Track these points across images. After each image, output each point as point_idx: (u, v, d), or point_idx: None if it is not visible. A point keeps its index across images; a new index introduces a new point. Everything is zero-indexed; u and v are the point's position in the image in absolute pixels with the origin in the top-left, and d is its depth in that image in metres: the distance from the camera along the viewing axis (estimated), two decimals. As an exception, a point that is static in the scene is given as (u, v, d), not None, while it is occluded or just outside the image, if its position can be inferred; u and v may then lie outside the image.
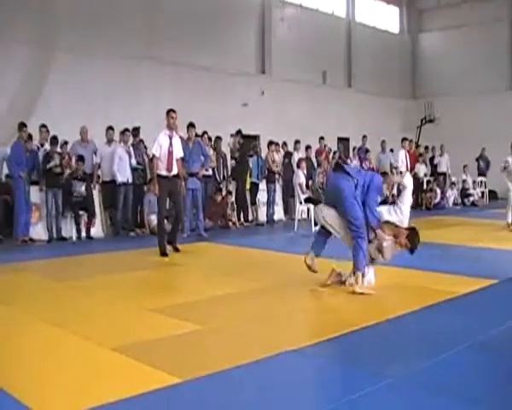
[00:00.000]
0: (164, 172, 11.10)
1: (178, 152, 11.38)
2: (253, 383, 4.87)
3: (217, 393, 4.65)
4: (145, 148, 15.46)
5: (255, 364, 5.19)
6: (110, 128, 14.79)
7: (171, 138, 11.15)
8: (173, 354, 5.60)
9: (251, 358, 5.28)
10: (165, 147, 11.07)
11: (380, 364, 5.37)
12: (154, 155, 11.16)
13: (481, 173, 24.90)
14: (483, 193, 25.16)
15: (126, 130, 14.72)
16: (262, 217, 17.59)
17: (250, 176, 17.51)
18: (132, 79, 18.80)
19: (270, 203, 17.50)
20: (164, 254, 11.06)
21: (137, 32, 19.30)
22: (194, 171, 13.83)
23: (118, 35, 18.74)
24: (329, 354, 5.57)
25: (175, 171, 11.20)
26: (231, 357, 5.33)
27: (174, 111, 11.27)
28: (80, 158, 14.24)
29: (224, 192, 16.30)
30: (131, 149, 14.80)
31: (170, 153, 11.06)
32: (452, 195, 24.28)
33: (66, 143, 14.46)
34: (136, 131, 15.36)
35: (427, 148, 24.72)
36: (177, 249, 11.47)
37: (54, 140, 13.78)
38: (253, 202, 17.59)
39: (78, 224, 13.94)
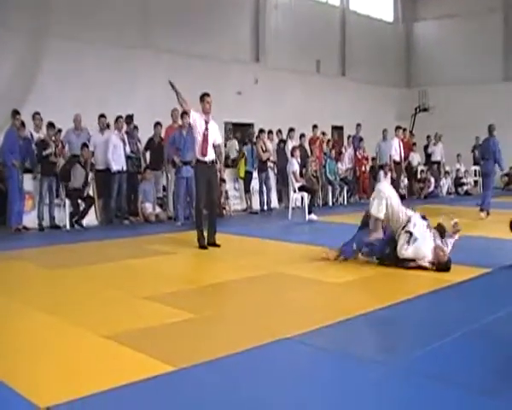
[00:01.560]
0: (200, 157, 10.75)
1: (216, 138, 11.01)
2: (246, 371, 4.88)
3: (211, 381, 4.64)
4: (138, 139, 15.50)
5: (249, 352, 5.20)
6: (102, 116, 14.71)
7: (207, 123, 10.76)
8: (167, 342, 5.60)
9: (245, 346, 5.29)
10: (200, 130, 10.68)
11: (374, 352, 5.40)
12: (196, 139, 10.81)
13: (477, 163, 24.94)
14: (476, 182, 25.21)
15: (120, 117, 14.65)
16: (256, 205, 17.60)
17: (245, 164, 17.52)
18: (127, 67, 18.72)
19: (263, 192, 17.48)
20: (203, 246, 10.76)
21: (132, 20, 19.21)
22: (188, 159, 13.78)
23: (113, 23, 18.66)
24: (324, 342, 5.58)
25: (211, 156, 10.80)
26: (225, 345, 5.34)
27: (209, 95, 10.87)
28: (85, 146, 14.19)
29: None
30: (125, 136, 14.75)
31: (205, 137, 10.67)
32: (446, 184, 24.34)
33: (59, 130, 14.42)
34: (129, 118, 15.32)
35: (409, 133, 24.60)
36: (217, 245, 10.93)
37: (50, 126, 13.71)
38: (247, 190, 17.59)
39: (76, 213, 13.88)
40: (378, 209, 8.75)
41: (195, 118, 10.72)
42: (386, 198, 8.73)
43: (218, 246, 10.84)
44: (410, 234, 8.55)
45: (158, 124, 15.62)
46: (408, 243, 8.51)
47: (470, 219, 14.86)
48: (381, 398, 4.42)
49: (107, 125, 14.80)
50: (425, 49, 31.58)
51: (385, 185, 8.98)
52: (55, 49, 16.94)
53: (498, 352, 5.34)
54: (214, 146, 10.91)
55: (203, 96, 10.85)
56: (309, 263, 9.17)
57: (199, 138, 10.69)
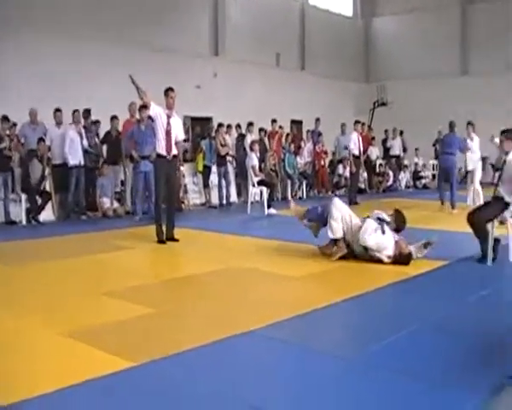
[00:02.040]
0: (163, 153, 10.58)
1: (179, 134, 10.93)
2: (208, 366, 4.85)
3: (171, 376, 4.62)
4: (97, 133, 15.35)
5: (210, 346, 5.19)
6: (58, 110, 14.49)
7: (169, 118, 10.62)
8: (127, 337, 5.55)
9: (206, 340, 5.27)
10: (163, 125, 10.51)
11: (334, 345, 5.41)
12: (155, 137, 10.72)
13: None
14: (434, 175, 25.47)
15: (76, 111, 14.46)
16: (215, 199, 17.56)
17: (204, 159, 17.46)
18: (86, 60, 18.43)
19: (222, 186, 17.44)
20: (161, 241, 10.67)
21: (90, 13, 18.95)
22: (147, 153, 13.69)
23: (70, 15, 18.37)
24: (282, 336, 5.57)
25: (173, 151, 10.66)
26: (186, 339, 5.31)
27: (173, 90, 10.74)
28: (41, 140, 13.97)
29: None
30: (83, 130, 14.58)
31: (168, 132, 10.54)
32: (404, 177, 24.57)
33: (14, 124, 14.19)
34: (87, 113, 15.15)
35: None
36: (175, 240, 10.86)
37: (4, 120, 13.46)
38: (206, 185, 17.54)
39: (33, 209, 13.67)
40: (335, 231, 8.86)
41: (157, 111, 10.59)
42: (340, 218, 8.81)
43: (177, 241, 10.78)
44: (381, 224, 8.65)
45: (114, 117, 15.47)
46: (375, 231, 8.57)
47: (429, 212, 15.04)
48: (340, 391, 4.44)
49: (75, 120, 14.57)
50: (384, 44, 31.82)
51: (336, 205, 8.95)
52: (10, 41, 16.66)
53: (455, 344, 5.38)
54: (176, 142, 10.81)
55: (167, 91, 10.71)
56: (268, 257, 9.17)
57: (160, 133, 10.56)
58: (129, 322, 5.96)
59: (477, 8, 28.80)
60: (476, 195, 15.80)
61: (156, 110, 10.58)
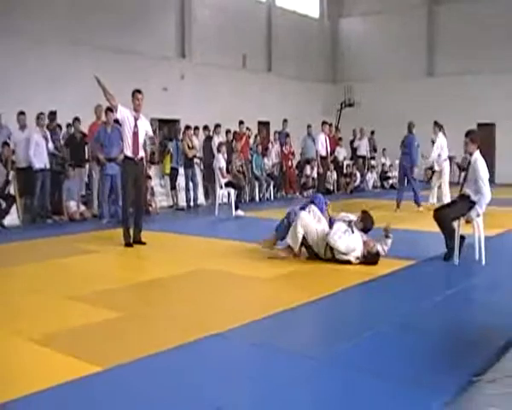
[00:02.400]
0: (130, 154, 10.50)
1: (148, 131, 10.91)
2: (175, 369, 4.83)
3: (139, 380, 4.60)
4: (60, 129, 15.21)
5: (179, 349, 5.17)
6: (21, 113, 14.28)
7: (136, 120, 10.55)
8: (94, 342, 5.50)
9: (174, 343, 5.25)
10: (130, 127, 10.45)
11: (303, 346, 5.40)
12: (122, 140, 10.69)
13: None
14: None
15: (41, 114, 14.29)
16: (182, 202, 17.48)
17: (171, 161, 17.38)
18: (50, 63, 18.25)
19: (189, 188, 17.36)
20: (128, 244, 10.61)
21: (55, 14, 18.76)
22: (113, 156, 13.59)
23: (34, 17, 18.15)
24: (252, 337, 5.57)
25: (140, 153, 10.61)
26: (153, 343, 5.28)
27: (140, 92, 10.66)
28: (5, 144, 13.78)
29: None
30: (48, 133, 14.41)
31: (135, 134, 10.47)
32: (372, 178, 24.69)
33: None
34: (52, 115, 14.99)
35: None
36: (142, 243, 10.81)
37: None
38: (173, 187, 17.46)
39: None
40: (293, 241, 8.92)
41: (124, 114, 10.52)
42: (302, 235, 8.84)
43: (144, 244, 10.72)
44: (350, 225, 8.71)
45: (76, 120, 15.28)
46: (344, 233, 8.61)
47: (393, 213, 15.12)
48: (307, 391, 4.45)
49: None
50: (351, 45, 31.94)
51: (302, 222, 8.92)
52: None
53: (422, 343, 5.42)
54: (145, 142, 10.81)
55: (134, 93, 10.64)
56: (237, 259, 9.15)
57: (128, 136, 10.49)
58: (96, 326, 5.90)
59: (443, 10, 29.03)
60: (444, 195, 15.90)
61: (123, 113, 10.52)
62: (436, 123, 16.57)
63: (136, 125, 10.52)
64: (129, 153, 10.51)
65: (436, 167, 16.58)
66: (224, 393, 4.36)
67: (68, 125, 15.61)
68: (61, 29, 18.78)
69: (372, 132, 25.38)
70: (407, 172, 15.97)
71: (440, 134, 16.23)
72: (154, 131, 21.88)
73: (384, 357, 5.02)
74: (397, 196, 16.06)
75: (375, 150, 25.39)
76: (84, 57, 19.05)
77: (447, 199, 15.35)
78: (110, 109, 13.72)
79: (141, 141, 10.60)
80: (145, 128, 10.81)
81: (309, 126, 20.53)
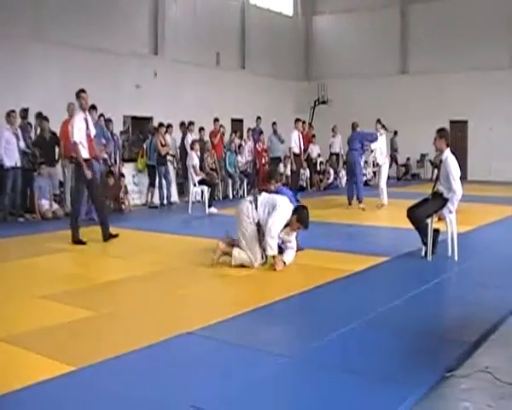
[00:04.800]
0: (88, 156, 10.54)
1: (93, 132, 10.91)
2: (148, 368, 4.80)
3: (111, 379, 4.58)
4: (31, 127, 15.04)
5: (150, 348, 5.14)
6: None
7: (86, 121, 10.62)
8: (66, 341, 5.47)
9: (145, 342, 5.23)
10: (83, 131, 10.51)
11: (274, 344, 5.40)
12: (75, 143, 10.45)
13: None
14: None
15: (12, 111, 14.12)
16: (156, 199, 17.40)
17: (148, 158, 17.27)
18: (18, 61, 18.05)
19: (162, 186, 17.28)
20: (79, 241, 10.62)
21: (22, 12, 18.54)
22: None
23: (2, 14, 17.95)
24: (225, 335, 5.56)
25: (94, 153, 10.73)
26: (125, 342, 5.26)
27: (84, 91, 10.67)
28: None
29: (116, 175, 15.99)
30: (19, 131, 14.25)
31: (88, 135, 10.55)
32: (345, 175, 24.73)
33: None
34: (24, 112, 14.83)
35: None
36: (113, 236, 10.86)
37: None
38: (151, 184, 17.36)
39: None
40: (274, 247, 8.47)
41: (75, 122, 10.57)
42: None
43: (116, 236, 10.78)
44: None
45: (43, 118, 15.11)
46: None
47: (368, 209, 15.19)
48: (280, 389, 4.47)
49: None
50: (324, 43, 32.01)
51: (240, 208, 8.84)
52: None
53: (396, 340, 5.44)
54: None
55: (79, 93, 10.70)
56: (209, 256, 9.10)
57: (83, 138, 10.53)
58: (67, 325, 5.86)
59: (416, 8, 29.18)
60: (381, 191, 16.04)
61: (77, 122, 10.57)
62: (379, 120, 16.81)
63: (87, 128, 10.61)
64: (85, 154, 10.54)
65: (380, 161, 16.69)
66: (197, 391, 4.35)
67: (37, 118, 15.31)
68: (28, 25, 18.54)
69: (395, 133, 25.69)
70: (353, 168, 16.19)
71: (383, 133, 16.52)
72: (127, 129, 21.87)
73: (357, 354, 5.04)
74: (348, 195, 16.18)
75: (395, 150, 26.23)
76: (53, 54, 18.88)
77: (384, 195, 15.71)
78: (93, 107, 13.62)
79: (93, 140, 10.76)
80: (92, 127, 10.93)
81: (274, 124, 20.44)
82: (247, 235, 8.43)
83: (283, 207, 8.36)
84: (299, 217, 8.40)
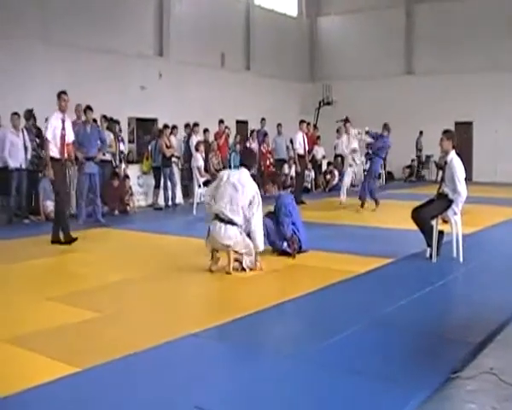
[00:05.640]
0: (58, 156, 10.66)
1: (70, 136, 11.03)
2: (152, 369, 4.80)
3: (116, 380, 4.58)
4: (39, 130, 15.00)
5: (154, 349, 5.15)
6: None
7: (63, 122, 10.75)
8: (71, 343, 5.48)
9: (150, 343, 5.23)
10: (58, 130, 10.66)
11: (280, 344, 5.40)
12: (46, 139, 10.67)
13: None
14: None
15: (15, 113, 14.13)
16: (161, 201, 17.40)
17: (154, 160, 17.28)
18: (23, 62, 18.07)
19: (167, 187, 17.28)
20: (65, 241, 10.71)
21: (28, 12, 18.56)
22: (92, 155, 13.51)
23: (7, 15, 17.98)
24: (230, 337, 5.58)
25: (65, 155, 10.81)
26: (130, 343, 5.25)
27: (65, 93, 10.85)
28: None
29: (121, 176, 16.01)
30: (25, 132, 14.25)
31: (62, 136, 10.66)
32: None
33: None
34: (29, 113, 14.84)
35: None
36: (73, 239, 10.91)
37: None
38: (156, 186, 17.37)
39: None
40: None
41: (51, 120, 10.76)
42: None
43: (76, 239, 10.83)
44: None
45: (47, 119, 15.13)
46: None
47: (371, 211, 15.18)
48: (285, 389, 4.44)
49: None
50: (329, 44, 31.99)
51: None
52: None
53: (401, 341, 5.44)
54: (67, 144, 10.90)
55: (60, 95, 10.83)
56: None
57: (56, 138, 10.64)
58: (72, 327, 5.87)
59: (422, 9, 29.14)
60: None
61: (53, 121, 10.73)
62: (347, 119, 17.43)
63: (63, 128, 10.72)
64: (57, 155, 10.64)
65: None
66: (201, 392, 4.35)
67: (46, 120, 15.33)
68: (33, 27, 18.57)
69: (421, 132, 25.75)
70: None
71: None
72: (132, 131, 21.86)
73: (362, 355, 5.03)
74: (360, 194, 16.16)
75: (420, 150, 26.77)
76: (58, 56, 18.90)
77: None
78: (89, 108, 13.66)
79: (67, 142, 10.80)
80: (69, 129, 11.03)
81: (279, 125, 20.45)
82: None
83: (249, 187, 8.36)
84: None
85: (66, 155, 10.82)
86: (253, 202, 8.19)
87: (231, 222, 8.07)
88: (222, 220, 8.11)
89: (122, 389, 4.42)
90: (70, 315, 6.23)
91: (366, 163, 17.69)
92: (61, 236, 10.82)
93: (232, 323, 5.90)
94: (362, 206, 15.58)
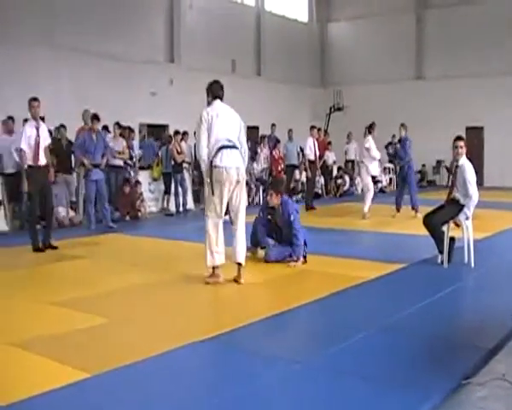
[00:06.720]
0: (32, 163, 10.69)
1: (46, 140, 11.03)
2: (160, 376, 4.78)
3: (125, 386, 4.57)
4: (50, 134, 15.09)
5: (163, 355, 5.13)
6: (9, 118, 14.19)
7: (37, 129, 10.77)
8: (80, 348, 5.46)
9: (158, 350, 5.21)
10: (32, 138, 10.67)
11: (290, 351, 5.37)
12: (21, 150, 10.66)
13: (391, 160, 25.31)
14: (391, 179, 25.67)
15: (26, 120, 14.15)
16: (172, 207, 17.43)
17: (165, 167, 17.32)
18: (29, 67, 18.10)
19: (178, 193, 17.31)
20: (39, 249, 10.79)
21: (34, 17, 18.61)
22: (98, 162, 13.57)
23: (12, 20, 18.03)
24: (237, 343, 5.54)
25: (43, 161, 10.83)
26: (139, 350, 5.25)
27: (36, 99, 10.81)
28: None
29: (132, 182, 16.06)
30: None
31: (37, 143, 10.68)
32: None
33: None
34: (41, 120, 14.86)
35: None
36: (54, 247, 11.02)
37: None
38: (166, 192, 17.41)
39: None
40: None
41: (25, 131, 10.74)
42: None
43: (56, 248, 10.92)
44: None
45: (62, 126, 15.23)
46: None
47: (384, 217, 15.13)
48: (294, 395, 4.42)
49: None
50: (339, 49, 32.01)
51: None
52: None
53: (412, 347, 5.42)
54: (44, 148, 10.92)
55: (30, 102, 10.82)
56: (224, 264, 9.08)
57: (31, 146, 10.67)
58: (82, 332, 5.86)
59: (432, 14, 29.13)
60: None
61: (27, 130, 10.73)
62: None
63: (38, 135, 10.72)
64: (32, 162, 10.67)
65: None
66: (209, 398, 4.34)
67: (57, 128, 15.43)
68: (41, 33, 18.63)
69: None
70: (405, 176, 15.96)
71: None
72: (143, 137, 21.91)
73: (373, 360, 5.00)
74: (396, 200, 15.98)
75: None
76: (68, 62, 18.96)
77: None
78: (96, 117, 13.71)
79: (42, 148, 10.81)
80: (45, 134, 11.04)
81: (290, 131, 20.43)
82: None
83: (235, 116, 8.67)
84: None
85: (42, 160, 10.84)
86: (241, 129, 8.46)
87: (235, 147, 8.05)
88: (227, 147, 8.00)
89: (131, 395, 4.41)
90: (77, 320, 6.24)
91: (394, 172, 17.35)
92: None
93: (241, 329, 5.87)
94: (398, 211, 15.61)
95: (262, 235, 9.47)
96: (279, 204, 9.38)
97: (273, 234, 9.48)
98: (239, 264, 8.04)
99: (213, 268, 7.99)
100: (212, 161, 7.82)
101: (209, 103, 8.64)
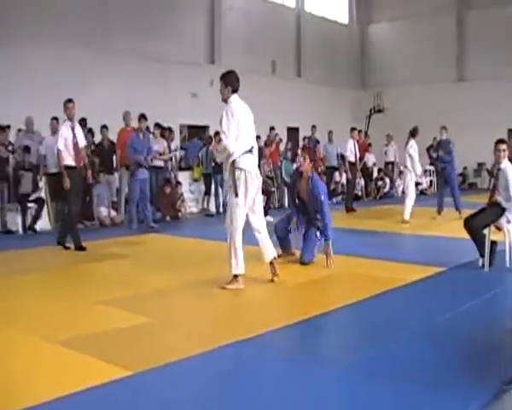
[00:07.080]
0: (72, 163, 10.84)
1: (82, 141, 11.18)
2: (201, 375, 4.84)
3: (166, 384, 4.60)
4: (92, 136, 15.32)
5: (205, 355, 5.17)
6: (54, 119, 14.40)
7: (73, 129, 10.93)
8: (123, 346, 5.52)
9: (200, 349, 5.25)
10: (69, 139, 10.82)
11: (332, 352, 5.40)
12: (59, 150, 10.78)
13: (432, 163, 25.10)
14: (431, 181, 25.46)
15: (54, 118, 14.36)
16: (212, 207, 17.52)
17: (205, 168, 17.42)
18: (79, 69, 18.43)
19: (218, 194, 17.39)
20: (81, 247, 10.92)
21: (85, 21, 18.97)
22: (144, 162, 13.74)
23: (64, 24, 18.39)
24: (280, 343, 5.58)
25: (79, 162, 11.00)
26: (181, 349, 5.29)
27: (71, 101, 10.96)
28: (26, 149, 13.92)
29: (173, 183, 16.19)
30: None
31: (75, 144, 10.84)
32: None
33: (8, 126, 14.14)
34: (83, 121, 15.09)
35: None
36: (67, 247, 11.09)
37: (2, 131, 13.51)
38: (207, 193, 17.51)
39: (37, 217, 13.65)
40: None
41: (61, 132, 10.89)
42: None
43: (85, 249, 10.95)
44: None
45: (104, 127, 15.42)
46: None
47: (425, 219, 15.03)
48: (334, 397, 4.44)
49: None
50: (380, 51, 31.87)
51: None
52: (2, 52, 16.65)
53: (452, 351, 5.37)
54: (81, 149, 11.07)
55: (66, 103, 10.94)
56: (261, 265, 9.12)
57: (69, 147, 10.81)
58: (125, 331, 5.93)
59: (473, 14, 28.86)
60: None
61: (64, 132, 10.86)
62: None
63: (74, 136, 10.86)
64: (71, 162, 10.81)
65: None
66: (250, 399, 4.36)
67: (102, 128, 15.63)
68: (84, 34, 18.91)
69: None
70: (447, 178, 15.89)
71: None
72: (184, 138, 22.09)
73: (411, 364, 4.98)
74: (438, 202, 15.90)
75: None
76: (110, 63, 19.18)
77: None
78: (143, 117, 13.85)
79: (81, 147, 11.05)
80: (81, 135, 11.18)
81: (330, 132, 20.38)
82: None
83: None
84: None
85: (81, 162, 11.02)
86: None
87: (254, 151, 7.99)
88: (251, 151, 7.87)
89: (172, 394, 4.45)
90: (121, 319, 6.31)
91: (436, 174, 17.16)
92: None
93: (281, 330, 5.89)
94: (439, 213, 15.54)
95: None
96: (309, 175, 9.37)
97: (299, 214, 9.63)
98: (271, 263, 8.08)
99: (236, 275, 7.93)
100: (238, 163, 7.68)
101: (226, 97, 8.20)
